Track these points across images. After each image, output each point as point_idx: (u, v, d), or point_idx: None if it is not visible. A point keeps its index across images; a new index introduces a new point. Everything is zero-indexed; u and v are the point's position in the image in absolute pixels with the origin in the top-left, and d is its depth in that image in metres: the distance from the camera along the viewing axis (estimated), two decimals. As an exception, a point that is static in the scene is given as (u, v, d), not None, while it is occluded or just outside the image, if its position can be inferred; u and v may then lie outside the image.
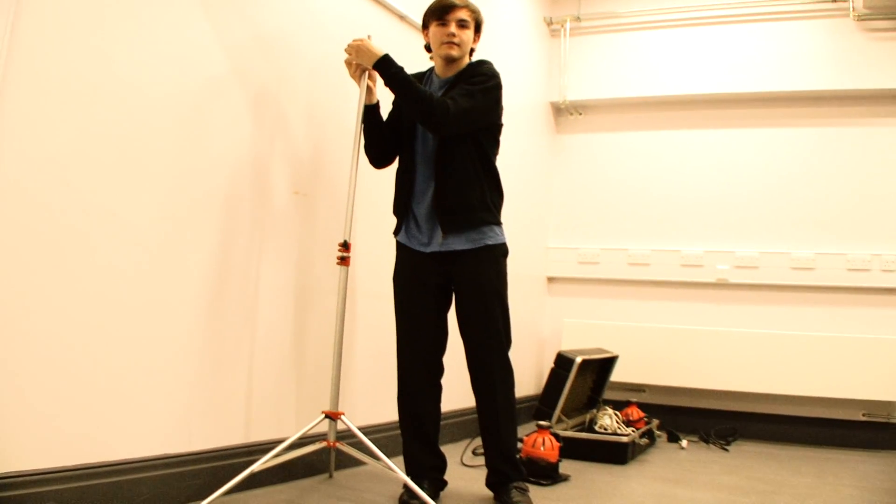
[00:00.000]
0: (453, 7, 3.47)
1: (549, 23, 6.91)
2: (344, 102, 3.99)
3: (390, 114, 3.65)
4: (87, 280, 2.75)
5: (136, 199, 2.94)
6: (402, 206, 3.55)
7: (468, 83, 3.42)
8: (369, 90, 3.53)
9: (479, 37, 3.60)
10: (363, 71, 3.51)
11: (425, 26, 3.59)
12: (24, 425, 2.55)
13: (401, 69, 3.39)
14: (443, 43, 3.48)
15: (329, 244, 3.77)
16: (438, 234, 3.43)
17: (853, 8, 5.85)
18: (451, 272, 3.47)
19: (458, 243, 3.43)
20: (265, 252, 3.58)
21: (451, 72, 3.54)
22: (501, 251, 3.52)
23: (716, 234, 6.24)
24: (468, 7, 3.52)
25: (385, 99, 3.62)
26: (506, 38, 5.95)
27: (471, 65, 3.55)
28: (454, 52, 3.49)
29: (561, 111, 6.95)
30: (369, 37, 3.53)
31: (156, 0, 3.03)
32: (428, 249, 3.47)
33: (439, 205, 3.42)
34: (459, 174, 3.42)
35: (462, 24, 3.49)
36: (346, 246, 3.40)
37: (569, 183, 6.90)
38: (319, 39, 3.91)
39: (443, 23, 3.48)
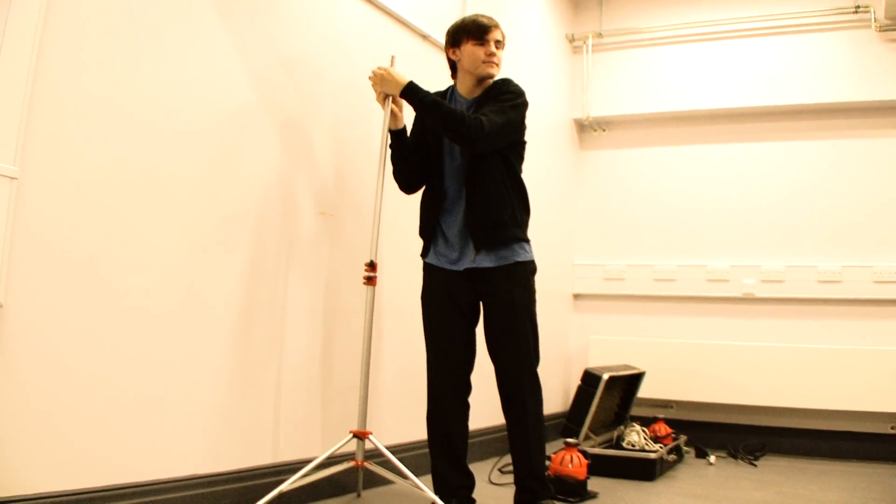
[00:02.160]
0: (491, 27, 3.50)
1: (572, 39, 6.92)
2: (368, 123, 4.02)
3: (412, 136, 3.67)
4: (114, 302, 2.78)
5: (163, 222, 2.98)
6: (430, 227, 3.57)
7: (498, 101, 3.44)
8: (394, 115, 3.55)
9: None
10: (386, 96, 3.53)
11: (456, 44, 3.56)
12: (53, 447, 2.58)
13: (427, 93, 3.41)
14: (484, 62, 3.49)
15: (355, 264, 3.79)
16: (470, 251, 3.45)
17: (875, 19, 5.83)
18: (480, 289, 3.48)
19: (489, 260, 3.44)
20: (292, 273, 3.60)
21: (478, 91, 3.55)
22: (531, 268, 3.54)
23: (741, 249, 6.22)
24: (500, 28, 3.55)
25: (410, 123, 3.65)
26: (528, 55, 5.97)
27: (496, 83, 3.56)
28: (495, 71, 3.52)
29: (584, 128, 6.95)
30: (392, 58, 3.56)
31: (182, 24, 3.07)
32: (459, 267, 3.48)
33: (471, 222, 3.44)
34: (490, 191, 3.44)
35: (498, 44, 3.52)
36: (372, 266, 3.42)
37: (594, 199, 6.90)
38: (343, 61, 3.94)
39: (482, 42, 3.49)
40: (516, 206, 3.50)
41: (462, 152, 3.48)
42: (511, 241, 3.46)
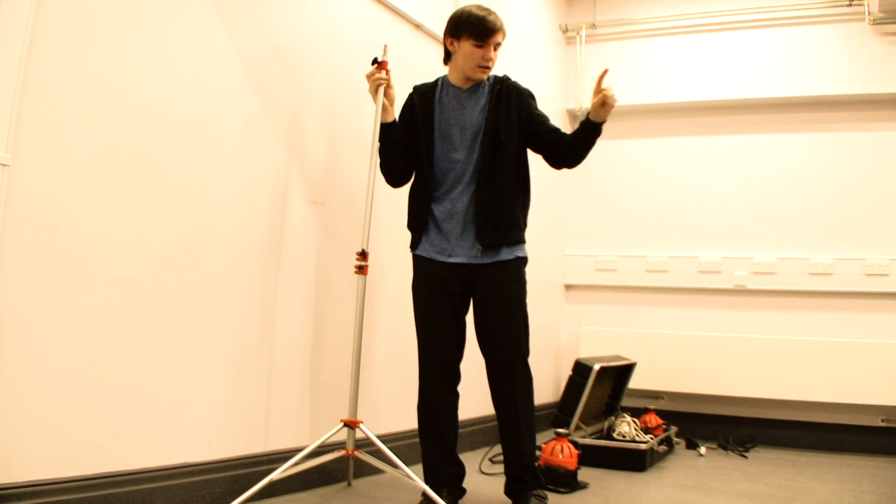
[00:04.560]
0: (495, 30, 3.44)
1: (565, 30, 6.92)
2: (360, 112, 4.01)
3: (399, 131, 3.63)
4: (105, 289, 2.77)
5: (155, 208, 2.97)
6: (421, 218, 3.54)
7: (534, 107, 3.56)
8: (385, 108, 3.53)
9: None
10: (378, 87, 3.51)
11: (456, 36, 3.48)
12: (45, 435, 2.58)
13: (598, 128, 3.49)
14: (478, 66, 3.45)
15: (348, 253, 3.78)
16: (467, 245, 3.45)
17: (868, 12, 5.83)
18: (473, 281, 3.48)
19: (489, 258, 3.45)
20: (284, 262, 3.60)
21: (472, 82, 3.53)
22: (523, 261, 3.55)
23: (733, 241, 6.23)
24: (503, 30, 3.49)
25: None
26: (522, 46, 5.96)
27: (506, 84, 3.56)
28: (485, 76, 3.51)
29: (577, 118, 6.94)
30: (385, 47, 3.54)
31: (176, 12, 3.06)
32: (452, 259, 3.48)
33: (481, 222, 3.43)
34: (503, 193, 3.46)
35: (497, 46, 3.48)
36: (363, 255, 3.41)
37: (586, 190, 6.90)
38: (336, 50, 3.93)
39: (481, 45, 3.43)
40: (521, 206, 3.54)
41: (471, 147, 3.48)
42: (515, 242, 3.50)
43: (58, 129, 2.61)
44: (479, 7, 3.48)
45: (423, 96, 3.58)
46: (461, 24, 3.47)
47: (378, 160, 3.54)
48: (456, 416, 3.58)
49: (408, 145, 3.57)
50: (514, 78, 3.59)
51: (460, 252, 3.46)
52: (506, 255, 3.47)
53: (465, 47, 3.45)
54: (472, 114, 3.49)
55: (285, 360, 3.61)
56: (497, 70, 3.58)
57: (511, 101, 3.49)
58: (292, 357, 3.66)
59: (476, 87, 3.53)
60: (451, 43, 3.51)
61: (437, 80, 3.63)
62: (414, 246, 3.59)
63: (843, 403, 5.59)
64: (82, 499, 2.64)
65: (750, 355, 5.81)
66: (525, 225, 3.57)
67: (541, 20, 6.44)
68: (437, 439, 3.51)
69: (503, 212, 3.45)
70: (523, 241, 3.54)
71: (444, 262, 3.49)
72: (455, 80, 3.56)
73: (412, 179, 3.64)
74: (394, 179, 3.65)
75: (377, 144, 3.53)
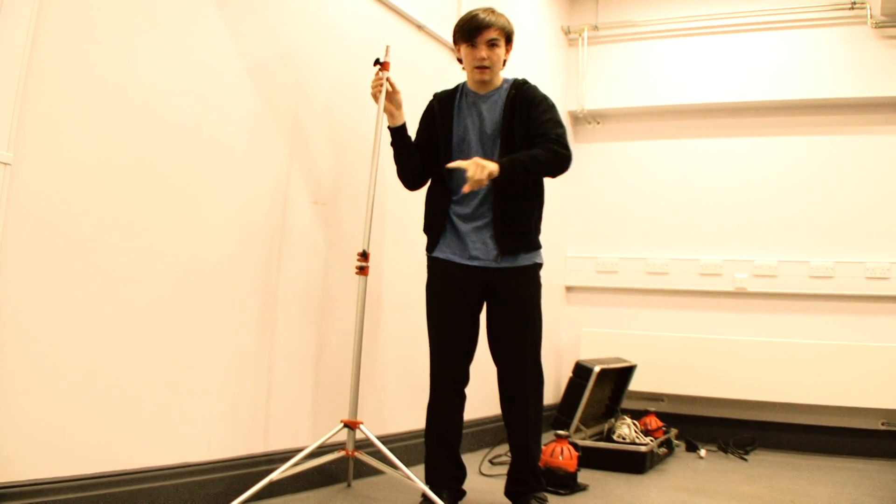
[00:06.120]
0: (481, 29, 3.40)
1: (567, 32, 6.92)
2: (363, 112, 4.00)
3: (417, 139, 3.63)
4: (106, 289, 2.77)
5: (155, 208, 2.97)
6: (439, 222, 3.53)
7: (541, 111, 3.48)
8: (391, 113, 3.53)
9: (511, 47, 3.57)
10: (376, 92, 3.51)
11: (456, 42, 3.53)
12: (43, 435, 2.57)
13: (517, 161, 3.31)
14: (475, 67, 3.45)
15: (349, 254, 3.78)
16: (485, 249, 3.44)
17: (871, 15, 5.84)
18: (492, 283, 3.47)
19: (508, 262, 3.44)
20: (285, 262, 3.59)
21: (489, 87, 3.53)
22: (540, 266, 3.57)
23: (734, 243, 6.23)
24: (496, 25, 3.43)
25: (411, 121, 3.63)
26: (524, 47, 5.94)
27: (522, 88, 3.54)
28: (486, 76, 3.47)
29: (579, 120, 6.95)
30: (387, 48, 3.54)
31: (178, 12, 3.06)
32: (471, 263, 3.46)
33: (500, 228, 3.43)
34: (520, 199, 3.46)
35: (492, 44, 3.43)
36: (364, 255, 3.41)
37: (587, 192, 6.90)
38: (338, 50, 3.93)
39: (472, 45, 3.43)
40: (537, 212, 3.55)
41: (490, 153, 3.46)
42: (532, 248, 3.50)
43: (59, 128, 2.61)
44: (475, 8, 3.49)
45: (443, 102, 3.58)
46: (455, 30, 3.52)
47: (380, 160, 3.54)
48: (462, 417, 3.57)
49: (427, 150, 3.58)
50: (517, 78, 3.58)
51: (478, 255, 3.45)
52: (524, 260, 3.46)
53: (463, 51, 3.49)
54: (490, 119, 3.49)
55: (286, 360, 3.61)
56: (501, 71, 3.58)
57: (523, 107, 3.48)
58: (293, 357, 3.65)
59: (494, 93, 3.52)
60: (458, 50, 3.54)
61: (457, 87, 3.63)
62: (430, 249, 3.57)
63: (844, 407, 5.59)
64: (82, 498, 2.64)
65: (750, 358, 5.81)
66: (539, 230, 3.57)
67: (543, 22, 6.44)
68: (442, 440, 3.50)
69: (521, 218, 3.45)
70: (539, 247, 3.54)
71: (461, 263, 3.47)
72: (472, 85, 3.56)
73: (430, 183, 3.63)
74: (410, 182, 3.65)
75: (380, 144, 3.53)
